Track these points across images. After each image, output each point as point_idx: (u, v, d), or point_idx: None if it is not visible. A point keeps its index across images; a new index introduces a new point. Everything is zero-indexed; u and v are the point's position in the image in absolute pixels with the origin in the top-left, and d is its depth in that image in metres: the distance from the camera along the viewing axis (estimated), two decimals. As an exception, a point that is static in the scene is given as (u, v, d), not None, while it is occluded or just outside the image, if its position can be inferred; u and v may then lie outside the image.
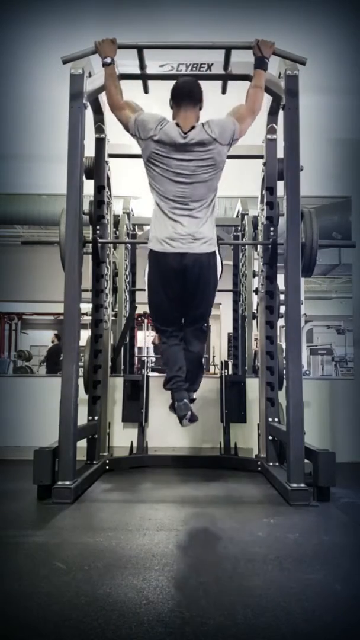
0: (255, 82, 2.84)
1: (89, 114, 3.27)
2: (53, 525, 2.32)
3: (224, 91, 3.31)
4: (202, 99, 2.78)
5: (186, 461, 3.83)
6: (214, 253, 2.74)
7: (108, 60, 2.83)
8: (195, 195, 2.68)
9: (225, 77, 3.18)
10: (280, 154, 3.29)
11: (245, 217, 4.51)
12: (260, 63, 2.85)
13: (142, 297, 4.95)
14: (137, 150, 3.70)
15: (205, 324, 2.96)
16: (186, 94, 2.74)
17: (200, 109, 2.77)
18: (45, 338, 8.21)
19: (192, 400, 2.86)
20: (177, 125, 2.68)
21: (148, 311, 2.97)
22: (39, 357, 7.89)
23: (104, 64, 2.84)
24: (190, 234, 2.67)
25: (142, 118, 2.72)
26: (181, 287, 2.73)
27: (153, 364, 7.00)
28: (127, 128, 2.77)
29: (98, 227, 3.59)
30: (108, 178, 3.74)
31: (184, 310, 2.85)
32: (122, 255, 4.47)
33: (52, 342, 7.76)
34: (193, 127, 2.67)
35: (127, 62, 3.07)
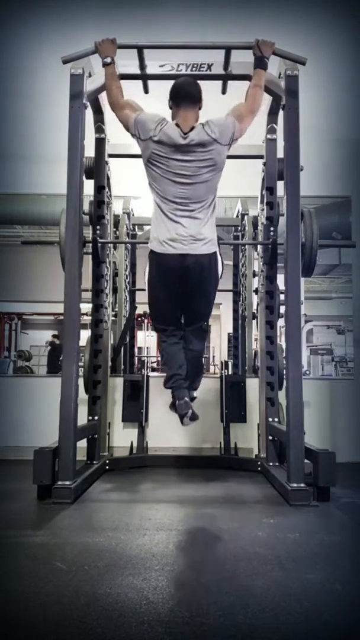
0: (255, 82, 2.83)
1: (89, 114, 3.27)
2: (53, 525, 2.32)
3: (224, 91, 3.31)
4: (202, 98, 2.77)
5: (186, 461, 3.83)
6: (214, 253, 2.74)
7: (108, 60, 2.83)
8: (195, 196, 2.67)
9: (225, 77, 3.18)
10: (280, 154, 3.29)
11: (245, 217, 4.50)
12: (260, 63, 2.85)
13: (142, 297, 4.95)
14: (137, 150, 3.69)
15: (206, 323, 2.95)
16: (185, 95, 2.73)
17: (199, 108, 2.77)
18: (45, 338, 8.20)
19: (192, 399, 2.85)
20: (177, 125, 2.67)
21: (148, 311, 2.97)
22: (39, 357, 7.88)
23: (104, 64, 2.84)
24: (192, 235, 2.67)
25: (141, 118, 2.71)
26: (182, 287, 2.73)
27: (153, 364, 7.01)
28: (127, 128, 2.77)
29: (98, 227, 3.58)
30: (108, 178, 3.74)
31: (185, 310, 2.85)
32: (122, 255, 4.47)
33: (51, 343, 7.78)
34: (193, 128, 2.67)
35: (127, 62, 3.07)
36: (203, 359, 3.02)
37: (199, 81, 2.84)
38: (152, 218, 2.79)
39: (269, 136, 3.63)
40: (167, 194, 2.68)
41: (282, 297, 3.31)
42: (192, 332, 2.90)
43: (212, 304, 2.87)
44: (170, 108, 2.78)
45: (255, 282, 4.23)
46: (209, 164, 2.67)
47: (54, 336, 7.82)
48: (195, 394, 2.98)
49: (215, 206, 2.76)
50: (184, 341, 2.88)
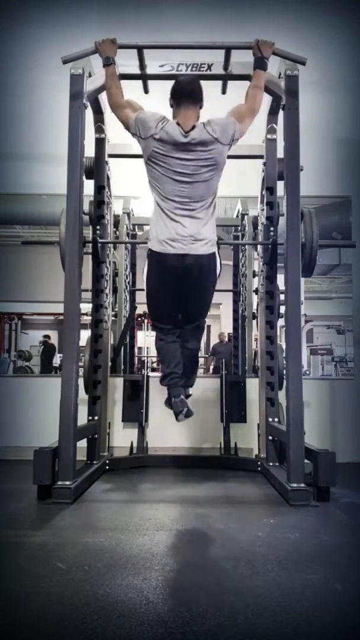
0: (254, 82, 2.83)
1: (89, 114, 3.27)
2: (53, 525, 2.32)
3: (224, 91, 3.31)
4: (203, 97, 2.76)
5: (186, 461, 3.83)
6: (213, 254, 2.74)
7: (109, 60, 2.83)
8: (196, 195, 2.68)
9: (225, 77, 3.18)
10: (280, 154, 3.29)
11: (245, 217, 4.50)
12: (260, 63, 2.85)
13: (142, 297, 4.95)
14: (137, 150, 3.70)
15: (203, 321, 2.97)
16: (187, 93, 2.72)
17: (200, 107, 2.76)
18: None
19: (187, 396, 2.90)
20: (178, 124, 2.67)
21: (148, 311, 2.99)
22: (39, 357, 7.92)
23: (105, 64, 2.84)
24: (192, 235, 2.67)
25: (142, 117, 2.71)
26: (180, 286, 2.74)
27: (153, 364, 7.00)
28: (127, 127, 2.76)
29: (98, 227, 3.59)
30: (108, 178, 3.74)
31: (183, 309, 2.86)
32: (122, 255, 4.47)
33: (44, 343, 7.89)
34: (194, 127, 2.67)
35: (127, 62, 3.07)
36: (198, 357, 3.08)
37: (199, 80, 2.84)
38: (151, 217, 2.79)
39: (269, 136, 3.63)
40: (167, 193, 2.68)
41: (282, 297, 3.31)
42: (190, 331, 2.92)
43: (210, 303, 2.89)
44: (171, 107, 2.77)
45: (255, 282, 4.23)
46: (210, 163, 2.67)
47: (45, 336, 7.93)
48: (190, 391, 3.03)
49: (215, 206, 2.77)
50: (180, 338, 2.90)
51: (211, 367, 6.53)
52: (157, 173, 2.69)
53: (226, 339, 7.16)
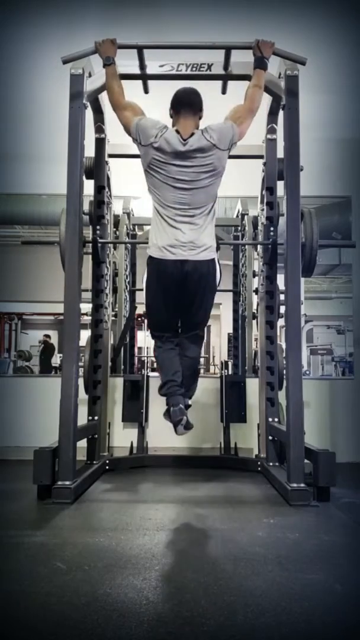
0: (254, 82, 2.83)
1: (89, 114, 3.27)
2: (53, 525, 2.32)
3: (224, 91, 3.31)
4: (202, 108, 2.77)
5: (186, 461, 3.83)
6: (213, 260, 2.72)
7: (109, 60, 2.83)
8: (195, 202, 2.67)
9: (225, 77, 3.18)
10: (280, 154, 3.29)
11: (245, 217, 4.51)
12: (260, 63, 2.85)
13: (141, 297, 4.96)
14: (137, 150, 3.71)
15: (203, 330, 2.94)
16: (186, 103, 2.73)
17: (200, 118, 2.77)
18: (45, 338, 8.24)
19: (187, 407, 2.80)
20: (177, 132, 2.68)
21: (147, 318, 2.98)
22: (38, 357, 7.93)
23: (105, 64, 2.84)
24: (191, 241, 2.66)
25: (143, 123, 2.71)
26: (180, 293, 2.72)
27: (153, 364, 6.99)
28: (127, 131, 2.76)
29: (98, 227, 3.59)
30: (108, 178, 3.75)
31: (182, 316, 2.85)
32: (122, 255, 4.47)
33: (44, 342, 7.92)
34: (192, 134, 2.67)
35: (127, 62, 3.07)
36: (198, 366, 2.99)
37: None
38: (151, 223, 2.79)
39: (269, 136, 3.63)
40: (166, 200, 2.68)
41: (282, 297, 3.31)
42: (189, 339, 2.89)
43: (210, 311, 2.85)
44: (171, 117, 2.78)
45: (255, 282, 4.23)
46: (209, 169, 2.67)
47: (45, 336, 7.96)
48: (189, 401, 2.92)
49: (214, 213, 2.76)
50: (179, 347, 2.87)
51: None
52: (156, 180, 2.69)
53: None
